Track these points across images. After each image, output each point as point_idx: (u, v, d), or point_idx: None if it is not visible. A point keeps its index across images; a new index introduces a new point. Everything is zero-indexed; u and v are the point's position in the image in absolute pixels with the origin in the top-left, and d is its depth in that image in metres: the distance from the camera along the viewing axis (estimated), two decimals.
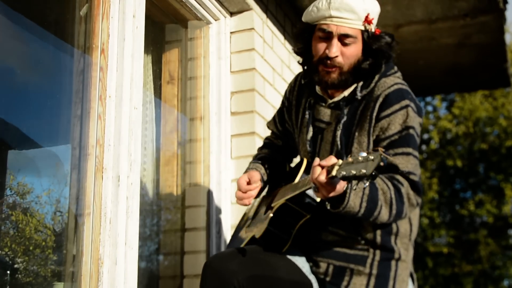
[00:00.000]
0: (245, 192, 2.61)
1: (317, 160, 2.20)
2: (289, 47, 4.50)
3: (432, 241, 15.71)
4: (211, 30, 3.89)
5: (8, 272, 2.77)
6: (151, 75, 3.59)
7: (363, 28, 2.46)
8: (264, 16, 4.10)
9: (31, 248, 2.91)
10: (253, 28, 3.93)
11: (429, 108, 16.99)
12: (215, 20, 3.91)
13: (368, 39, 2.48)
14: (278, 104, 4.09)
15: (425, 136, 16.28)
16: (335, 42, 2.45)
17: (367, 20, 2.44)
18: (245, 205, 2.62)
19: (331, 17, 2.43)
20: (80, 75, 2.84)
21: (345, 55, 2.47)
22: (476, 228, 15.88)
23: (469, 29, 5.19)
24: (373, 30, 2.48)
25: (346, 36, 2.44)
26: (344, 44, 2.46)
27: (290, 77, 4.39)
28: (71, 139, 2.82)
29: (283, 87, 4.24)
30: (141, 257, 3.45)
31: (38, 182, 2.94)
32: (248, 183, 2.64)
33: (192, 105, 3.80)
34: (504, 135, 15.71)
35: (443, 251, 15.35)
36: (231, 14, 3.99)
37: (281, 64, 4.30)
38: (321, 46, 2.48)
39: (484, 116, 15.87)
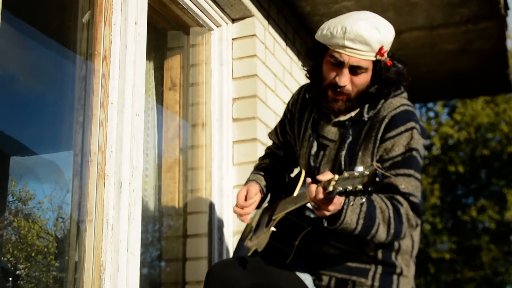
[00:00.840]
0: (241, 208, 2.61)
1: (309, 179, 2.20)
2: (291, 53, 4.51)
3: (434, 247, 15.67)
4: (213, 36, 3.90)
5: (10, 278, 2.77)
6: (153, 82, 3.59)
7: (375, 59, 2.44)
8: (265, 22, 4.11)
9: (33, 254, 2.91)
10: (255, 35, 3.94)
11: (431, 114, 17.00)
12: (217, 27, 3.92)
13: (380, 70, 2.47)
14: (280, 111, 4.10)
15: (427, 142, 16.27)
16: (346, 72, 2.44)
17: (380, 52, 2.42)
18: (244, 221, 2.63)
19: (344, 47, 2.40)
20: (82, 81, 2.85)
21: (354, 83, 2.46)
22: (478, 234, 15.85)
23: (471, 35, 5.20)
24: (385, 61, 2.46)
25: (358, 67, 2.43)
26: (355, 74, 2.45)
27: (292, 84, 4.39)
28: (73, 146, 2.82)
29: (285, 94, 4.24)
30: (143, 264, 3.45)
31: (40, 188, 2.95)
32: (246, 197, 2.64)
33: (194, 111, 3.80)
34: (506, 140, 15.70)
35: (445, 257, 15.31)
36: (233, 20, 4.00)
37: (283, 71, 4.31)
38: (332, 73, 2.47)
39: (486, 122, 15.85)
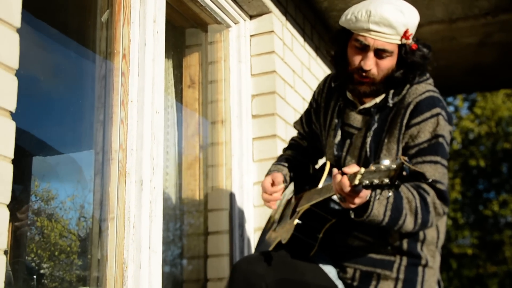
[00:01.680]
0: (270, 194, 2.60)
1: (335, 170, 2.19)
2: (309, 49, 4.50)
3: (456, 242, 15.58)
4: (231, 33, 3.91)
5: (34, 277, 2.80)
6: (172, 80, 3.60)
7: (400, 42, 2.43)
8: (283, 18, 4.11)
9: (56, 253, 2.94)
10: (272, 31, 3.94)
11: (451, 108, 16.87)
12: (235, 24, 3.92)
13: (405, 53, 2.45)
14: (299, 106, 4.10)
15: None
16: (371, 55, 2.43)
17: (406, 36, 2.41)
18: (271, 208, 2.62)
19: (369, 30, 2.39)
20: (102, 80, 2.86)
21: (379, 67, 2.46)
22: (500, 228, 15.73)
23: (490, 28, 5.15)
24: (410, 44, 2.45)
25: (383, 51, 2.42)
26: (380, 57, 2.44)
27: (310, 79, 4.38)
28: (94, 144, 2.84)
29: (303, 89, 4.24)
30: (165, 261, 3.46)
31: (62, 188, 2.97)
32: (272, 184, 2.63)
33: (213, 108, 3.81)
34: None
35: (467, 252, 15.22)
36: (251, 17, 4.00)
37: (301, 66, 4.30)
38: (357, 57, 2.47)
39: (507, 115, 15.72)
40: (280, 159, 2.86)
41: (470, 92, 11.71)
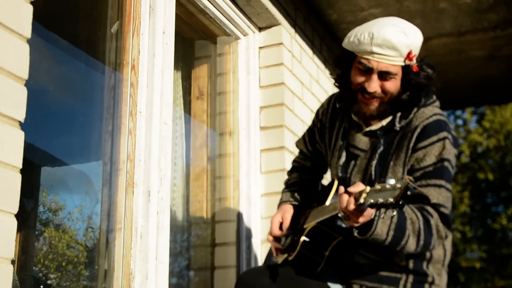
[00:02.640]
0: (274, 236, 2.63)
1: (342, 189, 2.19)
2: (318, 61, 4.50)
3: (464, 256, 15.51)
4: (240, 45, 3.92)
5: (41, 287, 2.79)
6: (181, 91, 3.61)
7: (404, 64, 2.42)
8: (292, 31, 4.11)
9: (63, 264, 2.94)
10: (281, 43, 3.94)
11: (459, 122, 16.85)
12: (244, 36, 3.93)
13: (409, 75, 2.44)
14: (307, 119, 4.10)
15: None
16: (375, 77, 2.42)
17: (409, 57, 2.40)
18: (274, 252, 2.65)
19: (372, 53, 2.39)
20: (111, 91, 2.87)
21: (384, 88, 2.45)
22: (508, 242, 15.64)
23: (499, 41, 5.14)
24: (414, 66, 2.44)
25: (387, 73, 2.42)
26: (384, 79, 2.43)
27: (319, 92, 4.38)
28: (103, 155, 2.84)
29: (312, 102, 4.24)
30: (172, 272, 3.46)
31: (70, 198, 2.97)
32: (281, 224, 2.64)
33: (221, 120, 3.81)
34: None
35: (476, 266, 15.14)
36: (260, 29, 4.01)
37: (309, 79, 4.30)
38: (360, 79, 2.46)
39: None
40: (289, 185, 2.85)
41: (478, 105, 11.68)
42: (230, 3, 3.65)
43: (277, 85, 3.89)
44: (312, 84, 4.33)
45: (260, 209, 3.72)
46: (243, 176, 3.72)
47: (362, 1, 4.35)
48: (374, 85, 2.43)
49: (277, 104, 3.86)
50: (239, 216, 3.65)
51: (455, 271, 15.03)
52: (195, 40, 3.89)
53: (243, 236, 3.62)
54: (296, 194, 2.76)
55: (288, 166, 3.16)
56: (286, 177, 2.95)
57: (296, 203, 2.73)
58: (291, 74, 4.01)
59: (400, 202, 1.93)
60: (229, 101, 3.83)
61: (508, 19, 4.77)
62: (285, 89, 3.89)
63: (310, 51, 4.38)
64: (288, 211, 2.67)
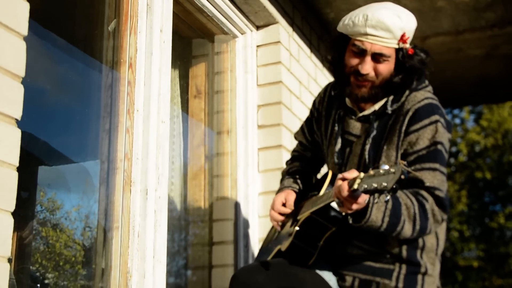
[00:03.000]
0: (278, 213, 2.63)
1: (340, 175, 2.20)
2: (316, 60, 4.50)
3: (461, 254, 15.52)
4: (237, 44, 3.91)
5: (38, 286, 2.79)
6: (178, 90, 3.61)
7: (397, 47, 2.43)
8: (290, 29, 4.11)
9: (61, 263, 2.93)
10: (279, 42, 3.94)
11: (457, 121, 16.86)
12: (242, 34, 3.93)
13: (402, 57, 2.45)
14: (305, 117, 4.09)
15: (454, 149, 16.14)
16: (368, 59, 2.44)
17: (403, 39, 2.41)
18: (275, 226, 2.66)
19: (366, 34, 2.40)
20: (108, 89, 2.87)
21: (377, 71, 2.46)
22: (506, 241, 15.66)
23: (497, 39, 5.14)
24: (407, 49, 2.45)
25: (380, 55, 2.43)
26: (378, 62, 2.44)
27: (316, 90, 4.38)
28: (100, 153, 2.84)
29: (309, 100, 4.23)
30: (169, 271, 3.46)
31: (68, 197, 2.96)
32: (284, 204, 2.65)
33: (219, 118, 3.81)
34: None
35: (473, 265, 15.15)
36: (257, 27, 4.01)
37: (307, 77, 4.30)
38: (354, 61, 2.47)
39: None
40: (290, 172, 2.85)
41: (476, 104, 11.69)
42: (228, 2, 3.65)
43: (274, 84, 3.89)
44: (310, 83, 4.33)
45: (258, 208, 3.72)
46: (240, 175, 3.72)
47: None
48: (367, 67, 2.43)
49: (274, 102, 3.86)
50: (237, 214, 3.65)
51: (453, 270, 15.04)
52: (193, 39, 3.89)
53: (240, 234, 3.62)
54: (298, 182, 2.77)
55: None
56: None
57: (297, 191, 2.73)
58: (288, 72, 4.01)
59: (394, 187, 1.94)
60: (226, 99, 3.83)
61: (505, 18, 4.77)
62: (282, 88, 3.89)
63: (308, 50, 4.38)
64: (292, 194, 2.69)
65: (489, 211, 16.15)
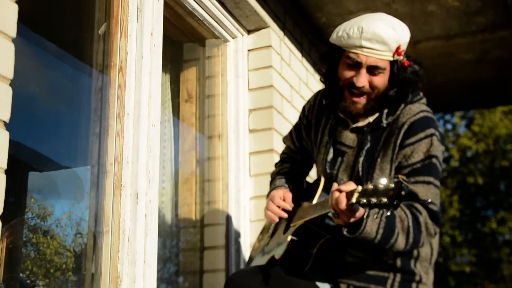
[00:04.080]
0: (278, 206, 2.61)
1: (335, 185, 2.18)
2: (307, 64, 4.50)
3: (454, 260, 15.53)
4: (228, 48, 3.90)
5: None
6: (169, 94, 3.60)
7: (392, 59, 2.42)
8: (281, 33, 4.11)
9: (51, 270, 2.91)
10: (270, 46, 3.94)
11: (449, 126, 16.90)
12: (233, 38, 3.92)
13: (397, 70, 2.44)
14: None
15: (445, 154, 16.17)
16: (364, 72, 2.41)
17: (398, 52, 2.40)
18: (273, 220, 2.62)
19: (361, 47, 2.38)
20: (98, 93, 2.85)
21: (372, 84, 2.43)
22: (498, 246, 15.68)
23: (488, 44, 5.15)
24: (402, 61, 2.43)
25: (376, 67, 2.41)
26: (373, 74, 2.42)
27: (308, 94, 4.38)
28: (90, 157, 2.82)
29: (301, 104, 4.23)
30: (160, 276, 3.44)
31: (58, 203, 2.94)
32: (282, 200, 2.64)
33: (210, 123, 3.80)
34: None
35: (465, 270, 15.16)
36: (249, 32, 4.00)
37: (298, 81, 4.30)
38: (349, 73, 2.44)
39: (504, 133, 15.73)
40: (281, 173, 2.84)
41: (467, 108, 11.71)
42: (219, 6, 3.64)
43: (266, 88, 3.89)
44: (301, 87, 4.33)
45: (249, 212, 3.70)
46: (232, 179, 3.71)
47: (351, 4, 4.36)
48: (362, 80, 2.41)
49: (266, 107, 3.86)
50: (228, 219, 3.63)
51: (445, 275, 15.05)
52: (184, 43, 3.88)
53: (232, 239, 3.61)
54: (289, 183, 2.76)
55: None
56: None
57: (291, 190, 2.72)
58: (280, 76, 4.00)
59: (395, 203, 1.92)
60: (218, 104, 3.82)
61: (496, 22, 4.79)
62: (274, 92, 3.88)
63: (299, 54, 4.38)
64: (289, 192, 2.67)
65: (481, 216, 16.17)
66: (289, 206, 2.61)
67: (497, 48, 5.23)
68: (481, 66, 5.60)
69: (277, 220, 2.62)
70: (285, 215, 2.61)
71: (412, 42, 4.98)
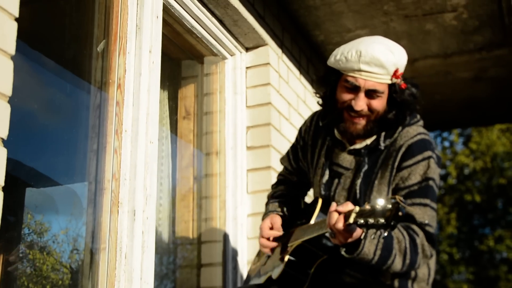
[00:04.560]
0: (268, 238, 2.61)
1: (333, 206, 2.18)
2: (305, 82, 4.51)
3: (451, 278, 15.49)
4: (227, 65, 3.92)
5: None
6: (167, 111, 3.60)
7: (390, 82, 2.43)
8: (279, 51, 4.12)
9: (48, 287, 2.89)
10: (268, 63, 3.95)
11: (446, 144, 16.92)
12: (231, 56, 3.94)
13: (395, 93, 2.45)
14: (294, 139, 4.09)
15: (443, 171, 16.18)
16: (362, 96, 2.42)
17: (396, 75, 2.41)
18: (266, 253, 2.63)
19: (360, 70, 2.38)
20: (96, 110, 2.86)
21: (371, 107, 2.44)
22: (496, 264, 15.66)
23: (485, 62, 5.17)
24: (400, 84, 2.44)
25: (374, 91, 2.41)
26: (371, 98, 2.43)
27: (305, 112, 4.39)
28: (87, 174, 2.82)
29: (299, 122, 4.24)
30: None
31: (56, 220, 2.93)
32: (271, 228, 2.64)
33: (208, 140, 3.80)
34: None
35: None
36: (247, 49, 4.02)
37: (296, 99, 4.31)
38: (347, 97, 2.45)
39: (502, 151, 15.76)
40: (274, 196, 2.84)
41: (465, 126, 11.73)
42: (217, 23, 3.66)
43: (264, 105, 3.89)
44: (299, 104, 4.34)
45: (247, 229, 3.70)
46: (229, 196, 3.70)
47: (349, 22, 4.38)
48: (361, 103, 2.42)
49: (263, 124, 3.86)
50: (225, 236, 3.63)
51: None
52: (182, 60, 3.89)
53: (229, 256, 3.60)
54: (282, 206, 2.76)
55: None
56: None
57: (282, 214, 2.72)
58: (278, 94, 4.01)
59: (392, 223, 1.92)
60: (215, 121, 3.82)
61: (493, 41, 4.81)
62: (272, 109, 3.89)
63: (297, 72, 4.39)
64: (276, 217, 2.67)
65: (478, 234, 16.16)
66: (277, 232, 2.61)
67: (495, 66, 5.26)
68: (479, 84, 5.62)
69: (270, 253, 2.63)
70: (275, 245, 2.61)
71: (410, 61, 4.97)
